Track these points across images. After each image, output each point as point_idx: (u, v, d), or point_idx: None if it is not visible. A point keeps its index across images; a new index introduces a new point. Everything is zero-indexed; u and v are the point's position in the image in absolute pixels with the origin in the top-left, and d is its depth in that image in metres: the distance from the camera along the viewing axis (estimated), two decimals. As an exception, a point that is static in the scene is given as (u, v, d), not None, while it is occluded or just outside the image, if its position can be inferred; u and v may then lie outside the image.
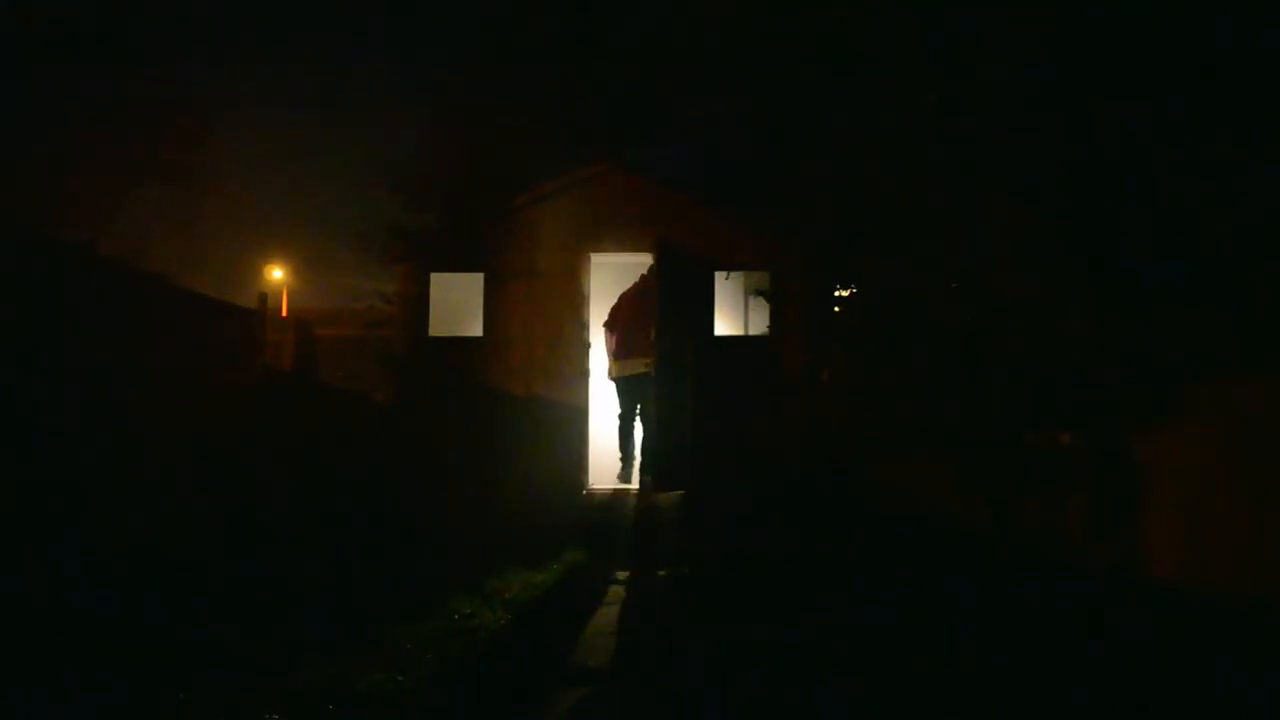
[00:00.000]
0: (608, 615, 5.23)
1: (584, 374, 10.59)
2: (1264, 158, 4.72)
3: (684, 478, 9.26)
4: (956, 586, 5.15)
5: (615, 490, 9.67)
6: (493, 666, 4.16)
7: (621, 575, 6.31)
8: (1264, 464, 4.29)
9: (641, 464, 9.12)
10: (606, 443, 10.16)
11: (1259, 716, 3.42)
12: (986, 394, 5.57)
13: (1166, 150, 5.02)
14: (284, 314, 19.88)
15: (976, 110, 5.64)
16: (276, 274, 28.66)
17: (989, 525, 5.77)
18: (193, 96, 20.27)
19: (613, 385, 9.68)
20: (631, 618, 5.12)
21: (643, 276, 9.41)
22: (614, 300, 9.80)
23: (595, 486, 10.20)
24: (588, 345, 10.66)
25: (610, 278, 10.77)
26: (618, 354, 9.53)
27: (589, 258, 10.78)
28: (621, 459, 9.55)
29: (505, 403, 9.84)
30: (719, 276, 10.28)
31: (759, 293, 10.12)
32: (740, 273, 10.31)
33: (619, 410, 9.51)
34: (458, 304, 10.97)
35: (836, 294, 8.23)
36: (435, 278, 10.97)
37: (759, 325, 10.51)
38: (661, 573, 6.18)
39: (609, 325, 9.75)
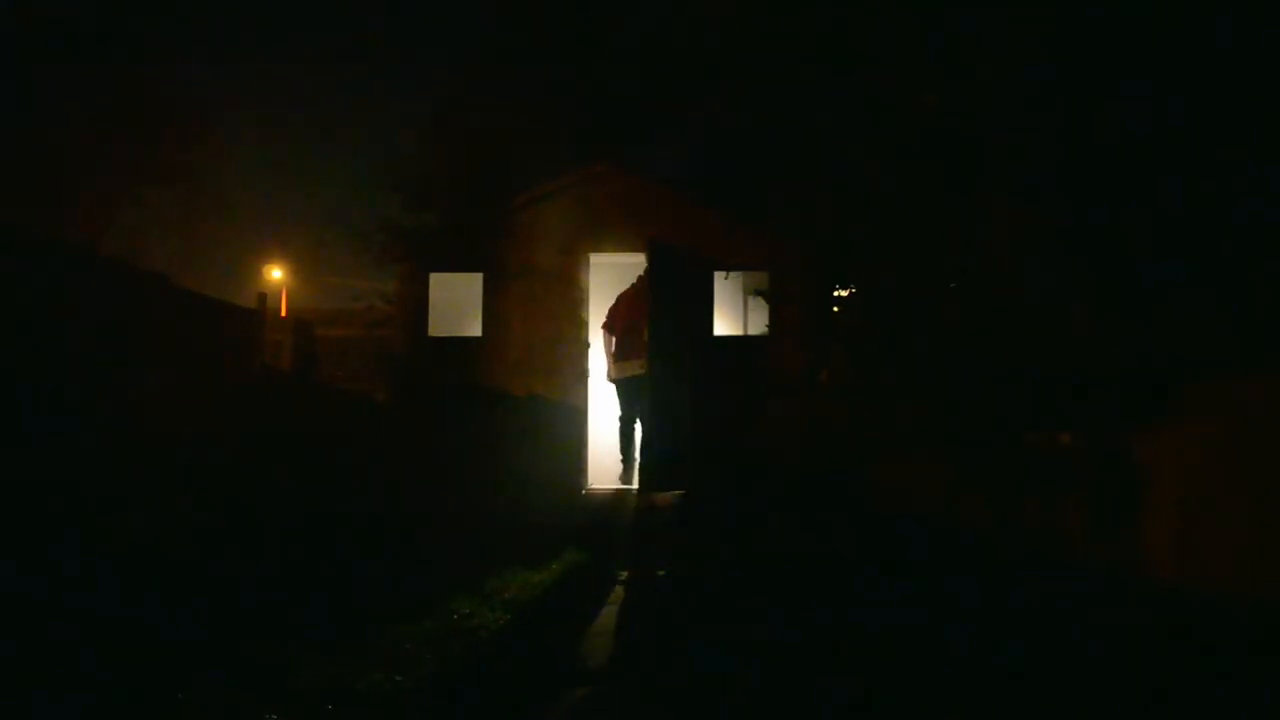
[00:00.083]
0: (607, 615, 5.23)
1: (583, 374, 10.59)
2: (1264, 158, 4.71)
3: (683, 477, 9.26)
4: (956, 586, 5.15)
5: (615, 490, 9.67)
6: (492, 667, 4.16)
7: (621, 575, 6.31)
8: (1264, 464, 4.28)
9: (640, 464, 9.11)
10: (606, 443, 10.16)
11: (1259, 717, 3.42)
12: (986, 394, 5.56)
13: (1166, 150, 5.02)
14: (283, 314, 19.88)
15: (976, 110, 5.65)
16: (276, 274, 28.67)
17: (989, 525, 5.77)
18: (193, 96, 20.30)
19: (612, 386, 9.69)
20: (631, 618, 5.12)
21: (640, 277, 9.42)
22: (612, 301, 9.80)
23: (594, 486, 10.20)
24: (587, 345, 10.66)
25: (609, 278, 10.77)
26: (617, 356, 9.53)
27: (588, 258, 10.78)
28: (623, 461, 9.54)
29: (504, 403, 9.84)
30: (718, 276, 10.29)
31: (758, 293, 10.13)
32: (740, 273, 10.31)
33: (619, 413, 9.51)
34: (457, 304, 10.98)
35: (836, 294, 8.23)
36: (435, 278, 10.97)
37: (758, 325, 10.51)
38: (661, 573, 6.18)
39: (607, 327, 9.75)
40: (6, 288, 3.35)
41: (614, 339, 9.66)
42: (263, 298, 6.72)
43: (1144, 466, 4.89)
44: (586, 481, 10.30)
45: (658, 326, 8.89)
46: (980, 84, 5.60)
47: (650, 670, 4.07)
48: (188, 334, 4.45)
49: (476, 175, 11.77)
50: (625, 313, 9.52)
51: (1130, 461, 4.93)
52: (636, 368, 9.17)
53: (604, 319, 9.86)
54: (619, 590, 5.89)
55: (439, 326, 10.91)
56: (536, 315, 10.75)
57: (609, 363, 9.69)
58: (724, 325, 10.56)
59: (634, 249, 10.39)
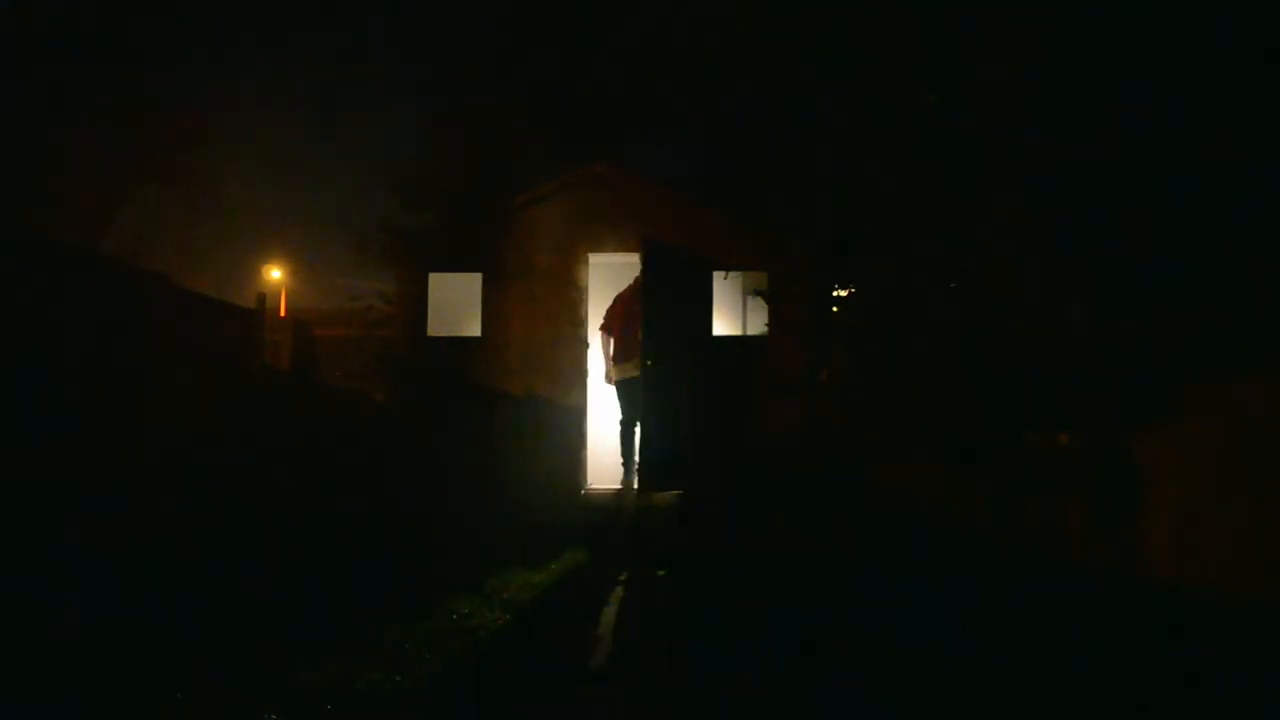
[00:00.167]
0: (607, 615, 5.23)
1: (582, 374, 10.59)
2: (1264, 157, 4.72)
3: (682, 477, 9.26)
4: (956, 586, 5.15)
5: (614, 490, 9.67)
6: (492, 667, 4.16)
7: (621, 575, 6.31)
8: (1264, 464, 4.28)
9: (638, 463, 9.10)
10: (606, 443, 10.15)
11: (1258, 717, 3.42)
12: (986, 394, 5.57)
13: (1166, 150, 5.02)
14: (282, 314, 19.88)
15: (976, 110, 5.65)
16: (275, 274, 28.68)
17: (989, 525, 5.77)
18: (193, 96, 20.30)
19: (610, 387, 9.68)
20: (630, 618, 5.12)
21: (637, 278, 9.42)
22: (610, 302, 9.80)
23: (594, 486, 10.20)
24: (586, 345, 10.66)
25: (609, 278, 10.77)
26: (617, 357, 9.52)
27: (587, 258, 10.78)
28: (624, 463, 9.50)
29: (504, 402, 9.84)
30: (717, 276, 10.29)
31: (757, 293, 10.12)
32: (739, 273, 10.30)
33: (620, 415, 9.50)
34: (456, 304, 10.98)
35: (836, 294, 8.23)
36: (434, 278, 10.97)
37: (757, 325, 10.50)
38: (660, 573, 6.18)
39: (605, 329, 9.74)
40: (5, 287, 3.35)
41: (612, 340, 9.65)
42: (262, 298, 6.69)
43: (1144, 466, 4.89)
44: (586, 481, 10.30)
45: (653, 326, 8.89)
46: (980, 84, 5.60)
47: (650, 670, 4.07)
48: (187, 334, 4.45)
49: (476, 175, 11.77)
50: (623, 313, 9.51)
51: (1130, 461, 4.93)
52: (636, 368, 9.16)
53: (601, 320, 9.85)
54: (619, 590, 5.89)
55: (438, 326, 10.91)
56: (536, 315, 10.75)
57: (607, 364, 9.67)
58: (723, 325, 10.56)
59: (633, 249, 10.38)
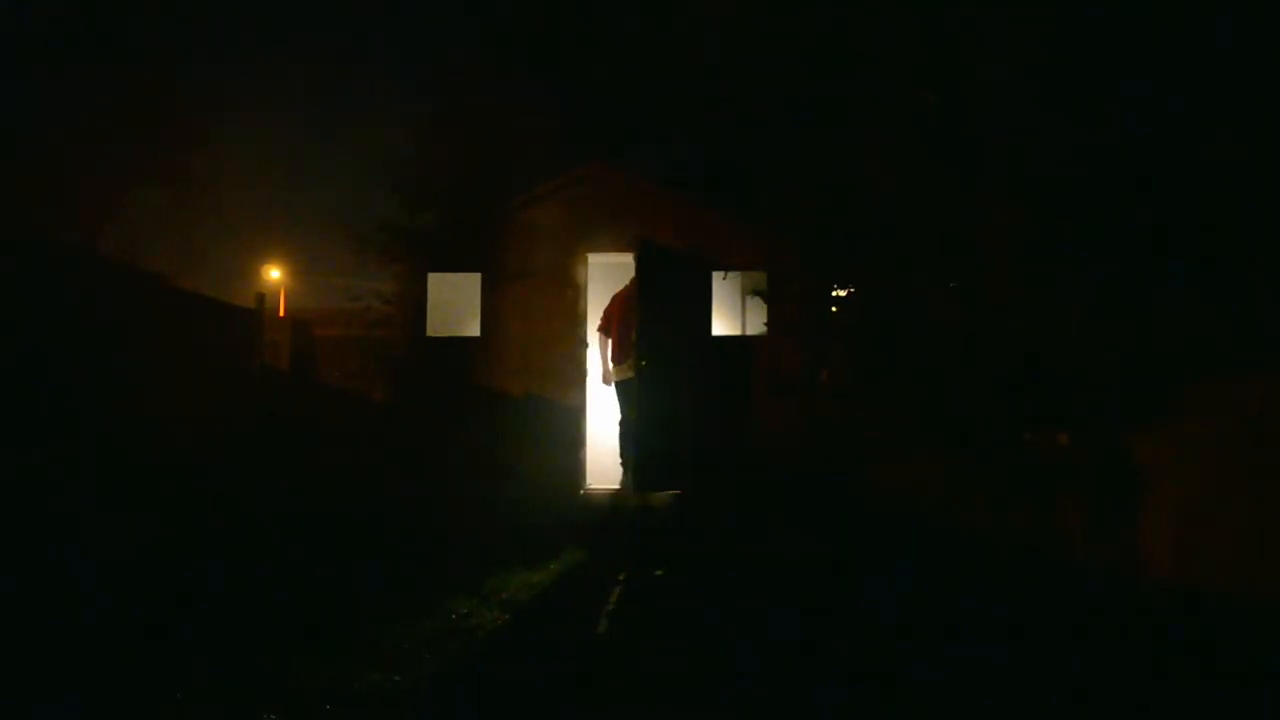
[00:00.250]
0: (605, 615, 5.22)
1: (581, 374, 10.57)
2: (1264, 157, 4.71)
3: (681, 477, 9.25)
4: (956, 586, 5.15)
5: (613, 490, 9.65)
6: (490, 667, 4.16)
7: (620, 575, 6.30)
8: (1263, 464, 4.28)
9: (636, 463, 9.08)
10: (605, 443, 10.13)
11: (1258, 717, 3.41)
12: (986, 394, 5.56)
13: (1166, 150, 5.02)
14: (281, 314, 19.89)
15: (976, 110, 5.64)
16: (274, 274, 28.67)
17: (989, 525, 5.76)
18: (192, 96, 20.29)
19: (611, 389, 9.66)
20: (629, 618, 5.11)
21: (633, 278, 9.40)
22: (608, 302, 9.78)
23: (593, 486, 10.18)
24: (585, 345, 10.64)
25: (608, 278, 10.75)
26: (615, 358, 9.51)
27: (586, 258, 10.76)
28: (623, 464, 9.48)
29: (502, 402, 9.83)
30: (716, 276, 10.27)
31: (756, 293, 10.10)
32: (738, 273, 10.30)
33: (619, 415, 9.49)
34: (455, 304, 10.95)
35: (835, 294, 8.23)
36: (433, 278, 10.95)
37: (756, 325, 10.48)
38: (659, 573, 6.17)
39: (603, 329, 9.72)
40: (4, 287, 3.34)
41: (610, 340, 9.63)
42: (261, 298, 6.69)
43: (1144, 466, 4.89)
44: (585, 481, 10.28)
45: (648, 327, 8.88)
46: (980, 84, 5.60)
47: (648, 671, 4.06)
48: (186, 333, 4.45)
49: (475, 175, 11.75)
50: (620, 314, 9.49)
51: (1130, 461, 4.93)
52: (634, 368, 9.14)
53: (599, 321, 9.83)
54: (617, 590, 5.88)
55: (437, 326, 10.90)
56: (535, 315, 10.73)
57: (604, 365, 9.66)
58: (722, 325, 10.54)
59: (633, 249, 10.37)
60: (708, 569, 6.27)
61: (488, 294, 10.77)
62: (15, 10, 16.78)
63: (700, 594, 5.56)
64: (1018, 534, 5.57)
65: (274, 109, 38.51)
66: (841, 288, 7.98)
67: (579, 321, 10.58)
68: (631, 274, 9.44)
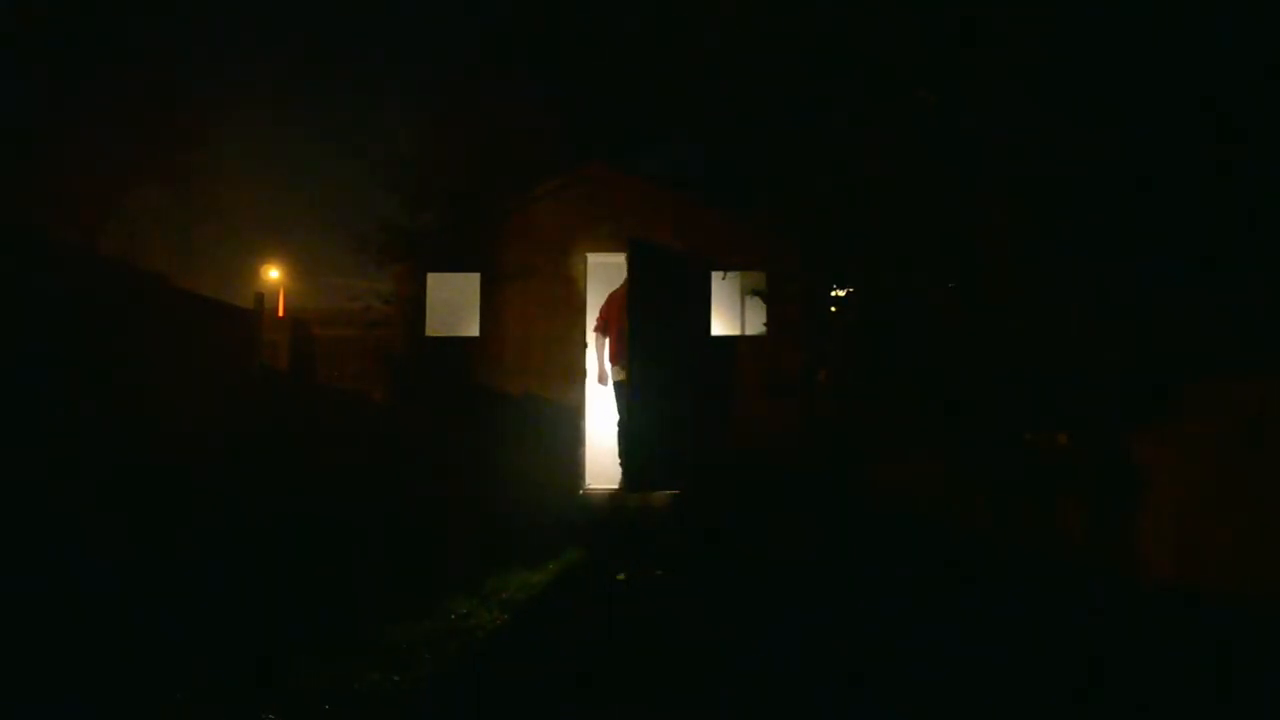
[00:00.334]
0: (605, 615, 5.22)
1: (580, 374, 10.57)
2: (1264, 157, 4.71)
3: (680, 477, 9.25)
4: (955, 587, 5.15)
5: (612, 490, 9.65)
6: (490, 667, 4.15)
7: (619, 575, 6.30)
8: (1263, 464, 4.28)
9: (634, 463, 9.08)
10: (604, 443, 10.14)
11: (1258, 717, 3.41)
12: (986, 394, 5.56)
13: (1166, 149, 5.02)
14: (280, 314, 19.87)
15: (976, 110, 5.64)
16: (274, 274, 28.67)
17: (989, 525, 5.77)
18: (192, 96, 20.29)
19: (610, 389, 9.67)
20: (628, 618, 5.11)
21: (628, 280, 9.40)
22: (605, 302, 9.79)
23: (592, 487, 10.18)
24: (584, 345, 10.65)
25: (608, 278, 10.75)
26: (613, 358, 9.51)
27: (586, 258, 10.76)
28: (622, 465, 9.48)
29: (502, 402, 9.83)
30: (716, 276, 10.28)
31: (756, 292, 10.10)
32: (737, 272, 10.30)
33: (618, 417, 9.48)
34: (455, 304, 10.94)
35: (834, 294, 8.23)
36: (432, 278, 10.94)
37: (755, 325, 10.48)
38: (658, 573, 6.17)
39: (600, 329, 9.72)
40: (4, 286, 3.34)
41: (607, 340, 9.63)
42: (260, 298, 6.69)
43: (1144, 466, 4.88)
44: (584, 482, 10.28)
45: (640, 327, 8.88)
46: (980, 84, 5.60)
47: (648, 671, 4.06)
48: (186, 334, 4.44)
49: (475, 175, 11.76)
50: (618, 314, 9.49)
51: (1130, 461, 4.93)
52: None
53: (595, 321, 9.84)
54: (616, 590, 5.88)
55: (436, 326, 10.89)
56: (534, 315, 10.73)
57: (601, 365, 9.67)
58: (721, 325, 10.55)
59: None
60: (707, 569, 6.28)
61: (487, 294, 10.76)
62: (15, 10, 16.76)
63: (700, 594, 5.56)
64: (1017, 534, 5.57)
65: (274, 108, 38.51)
66: (841, 288, 7.97)
67: (579, 321, 10.58)
68: (632, 273, 9.45)
